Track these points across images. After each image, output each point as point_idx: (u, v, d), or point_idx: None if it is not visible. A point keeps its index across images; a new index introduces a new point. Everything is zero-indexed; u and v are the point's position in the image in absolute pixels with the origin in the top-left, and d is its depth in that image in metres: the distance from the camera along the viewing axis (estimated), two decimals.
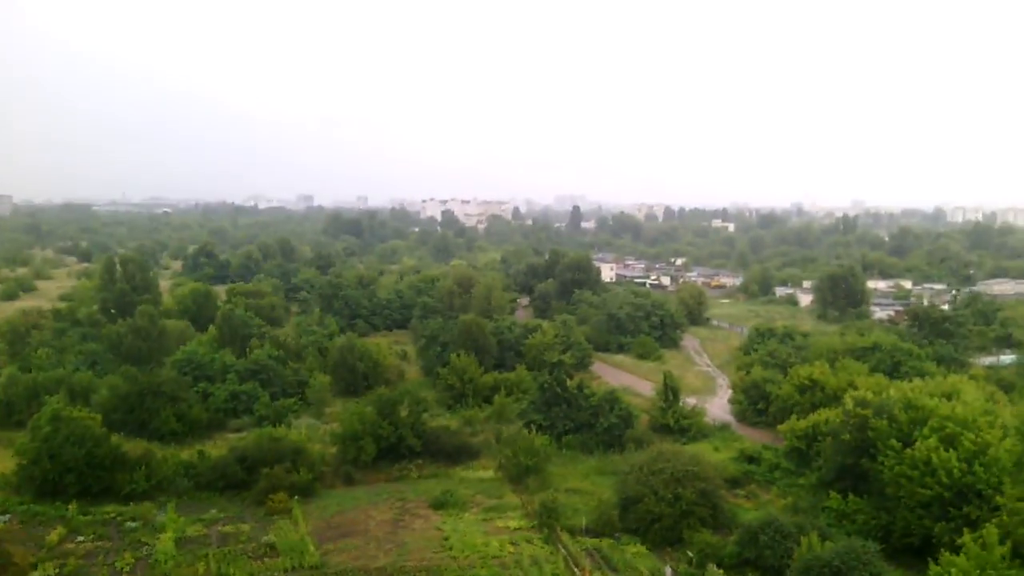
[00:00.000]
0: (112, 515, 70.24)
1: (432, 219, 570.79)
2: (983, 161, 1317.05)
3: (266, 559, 61.12)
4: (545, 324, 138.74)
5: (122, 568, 59.90)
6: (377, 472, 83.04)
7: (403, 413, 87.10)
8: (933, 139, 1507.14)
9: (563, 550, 62.17)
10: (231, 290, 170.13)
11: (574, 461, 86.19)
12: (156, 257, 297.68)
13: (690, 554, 62.15)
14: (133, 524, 68.13)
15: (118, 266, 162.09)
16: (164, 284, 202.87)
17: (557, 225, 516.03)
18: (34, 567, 58.55)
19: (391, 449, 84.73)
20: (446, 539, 64.78)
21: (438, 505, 72.67)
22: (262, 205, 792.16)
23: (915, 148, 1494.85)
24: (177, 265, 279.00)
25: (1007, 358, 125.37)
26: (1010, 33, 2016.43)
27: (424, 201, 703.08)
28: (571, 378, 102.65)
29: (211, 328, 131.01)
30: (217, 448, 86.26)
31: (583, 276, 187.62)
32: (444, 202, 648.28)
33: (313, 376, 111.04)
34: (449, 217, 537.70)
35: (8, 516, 69.56)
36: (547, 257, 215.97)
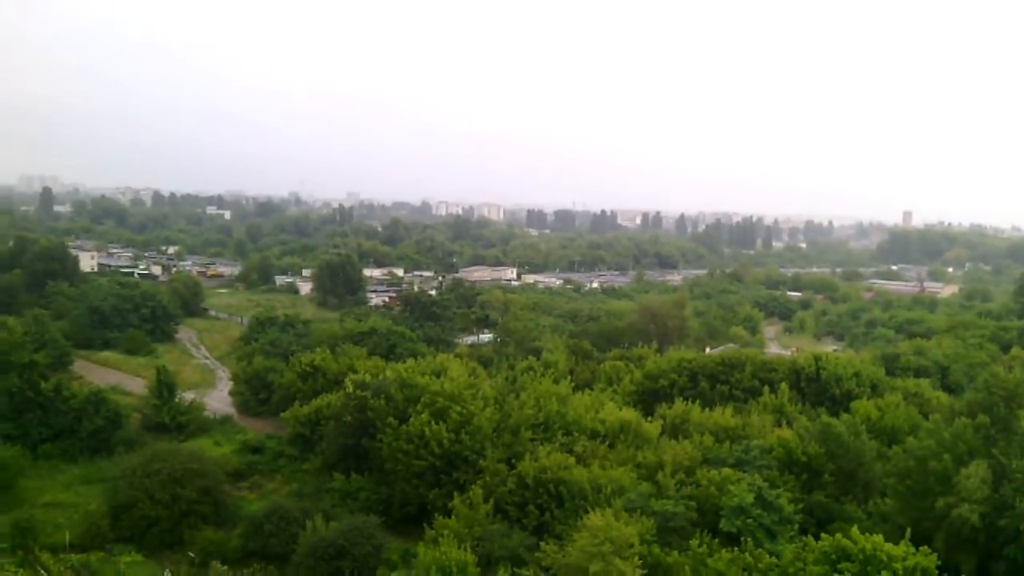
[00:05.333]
0: None
1: None
2: (460, 163, 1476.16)
3: None
4: (11, 320, 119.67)
5: None
6: None
7: None
8: (419, 140, 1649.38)
9: (43, 572, 54.17)
10: None
11: (53, 472, 76.11)
12: None
13: (191, 555, 58.75)
14: None
15: None
16: None
17: (24, 208, 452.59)
18: None
19: None
20: None
21: None
22: None
23: (402, 147, 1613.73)
24: None
25: (485, 337, 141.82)
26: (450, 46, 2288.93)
27: None
28: (46, 380, 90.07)
29: None
30: None
31: (58, 266, 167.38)
32: None
33: None
34: None
35: None
36: (12, 245, 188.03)
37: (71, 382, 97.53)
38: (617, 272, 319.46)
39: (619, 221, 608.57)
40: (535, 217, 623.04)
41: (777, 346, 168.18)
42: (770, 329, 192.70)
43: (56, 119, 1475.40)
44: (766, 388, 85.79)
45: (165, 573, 56.37)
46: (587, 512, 52.05)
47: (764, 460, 62.82)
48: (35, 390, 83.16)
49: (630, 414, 74.64)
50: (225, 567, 55.58)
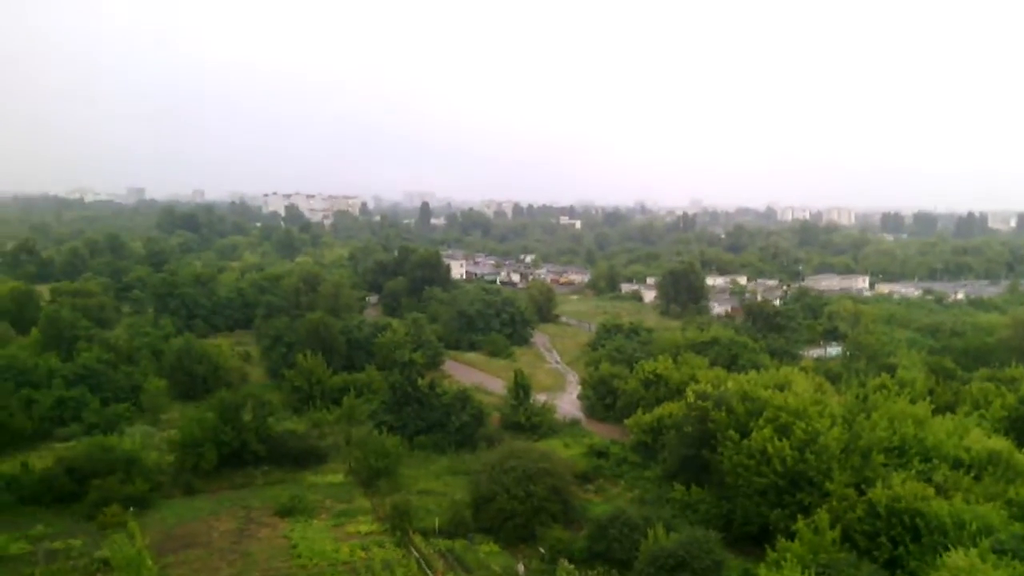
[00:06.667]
0: None
1: (275, 214, 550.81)
2: (808, 164, 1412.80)
3: (99, 575, 57.28)
4: (395, 322, 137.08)
5: None
6: (219, 480, 79.27)
7: (246, 417, 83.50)
8: (763, 143, 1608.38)
9: (415, 553, 61.42)
10: (55, 289, 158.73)
11: (426, 461, 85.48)
12: None
13: (542, 550, 62.80)
14: None
15: None
16: None
17: (406, 221, 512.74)
18: None
19: (234, 455, 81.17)
20: (294, 547, 62.82)
21: (285, 512, 70.21)
22: (88, 198, 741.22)
23: (746, 151, 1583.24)
24: None
25: (833, 350, 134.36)
26: (830, 39, 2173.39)
27: (266, 195, 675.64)
28: (422, 377, 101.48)
29: (33, 330, 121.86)
30: (43, 459, 79.79)
31: (433, 273, 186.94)
32: (288, 196, 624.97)
33: (148, 380, 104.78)
34: (293, 212, 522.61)
35: None
36: (396, 254, 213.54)
37: (442, 380, 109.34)
38: (987, 281, 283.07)
39: (990, 224, 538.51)
40: (890, 221, 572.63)
41: None
42: None
43: (428, 141, 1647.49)
44: None
45: (519, 565, 60.95)
46: (947, 550, 47.81)
47: None
48: (413, 386, 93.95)
49: (1001, 443, 66.66)
50: (572, 566, 58.88)
